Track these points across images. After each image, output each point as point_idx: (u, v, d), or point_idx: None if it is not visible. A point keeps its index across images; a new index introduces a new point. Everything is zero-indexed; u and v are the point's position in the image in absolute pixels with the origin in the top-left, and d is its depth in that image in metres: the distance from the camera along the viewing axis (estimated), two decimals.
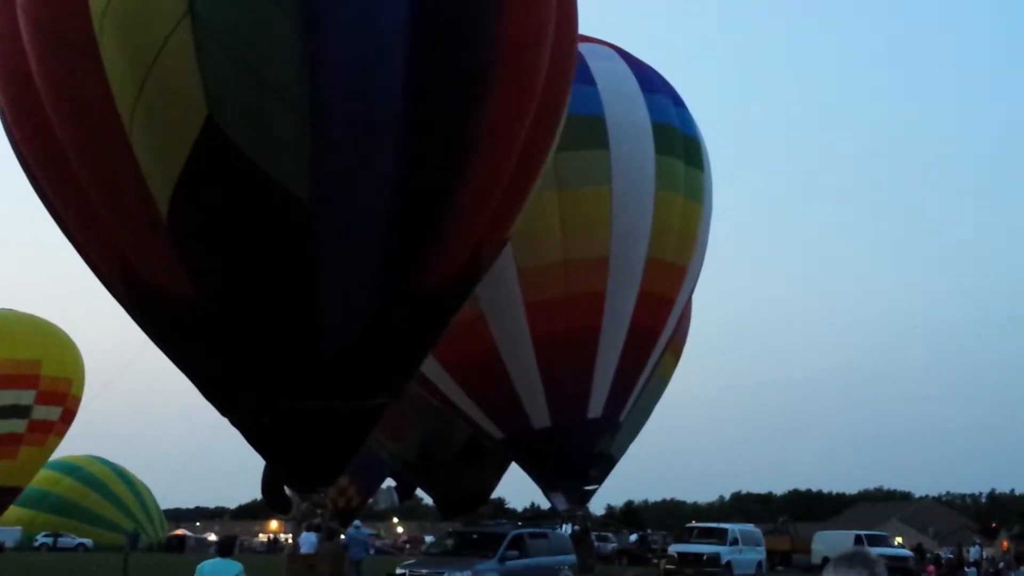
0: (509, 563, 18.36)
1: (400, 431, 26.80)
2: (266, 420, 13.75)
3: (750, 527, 33.76)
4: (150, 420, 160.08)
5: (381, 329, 13.21)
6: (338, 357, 13.06)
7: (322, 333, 12.85)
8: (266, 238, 12.13)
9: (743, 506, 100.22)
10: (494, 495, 34.22)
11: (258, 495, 36.16)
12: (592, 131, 21.03)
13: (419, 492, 35.56)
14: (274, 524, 68.89)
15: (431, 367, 20.79)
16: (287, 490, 28.12)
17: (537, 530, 21.06)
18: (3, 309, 39.10)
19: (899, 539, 42.24)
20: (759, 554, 30.59)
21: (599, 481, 24.67)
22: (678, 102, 23.26)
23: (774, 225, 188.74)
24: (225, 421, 14.31)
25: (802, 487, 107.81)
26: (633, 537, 51.70)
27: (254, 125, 11.35)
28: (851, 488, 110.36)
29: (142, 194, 11.80)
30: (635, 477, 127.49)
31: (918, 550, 41.93)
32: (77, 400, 39.14)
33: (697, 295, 25.22)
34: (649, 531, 53.80)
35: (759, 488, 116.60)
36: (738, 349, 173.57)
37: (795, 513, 59.34)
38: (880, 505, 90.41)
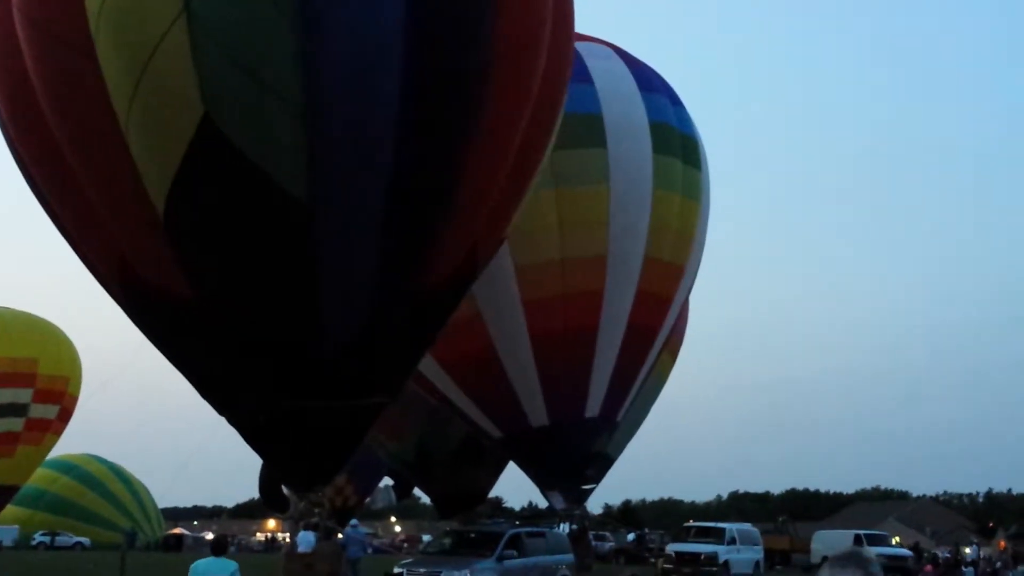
0: (507, 562, 18.34)
1: (398, 430, 26.80)
2: (262, 419, 13.73)
3: (748, 526, 33.74)
4: (147, 419, 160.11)
5: (379, 328, 13.20)
6: (336, 356, 13.04)
7: (319, 333, 12.84)
8: (263, 237, 12.11)
9: (741, 505, 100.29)
10: (492, 494, 34.27)
11: (256, 494, 36.17)
12: (590, 130, 21.02)
13: (417, 491, 35.62)
14: (272, 523, 68.85)
15: (429, 366, 20.78)
16: (284, 489, 28.10)
17: (535, 529, 21.04)
18: (0, 308, 39.05)
19: (896, 539, 42.18)
20: (757, 553, 30.57)
21: (597, 480, 24.68)
22: (676, 101, 23.26)
23: (772, 225, 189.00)
24: (223, 420, 14.30)
25: (799, 486, 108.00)
26: (631, 536, 51.76)
27: (251, 124, 11.33)
28: (848, 487, 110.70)
29: (138, 193, 11.78)
30: (633, 476, 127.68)
31: (915, 550, 41.91)
32: (74, 399, 39.11)
33: (695, 295, 25.26)
34: (647, 530, 53.85)
35: (757, 487, 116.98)
36: (736, 348, 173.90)
37: (793, 512, 59.39)
38: (877, 504, 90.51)
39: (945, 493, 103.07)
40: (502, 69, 12.32)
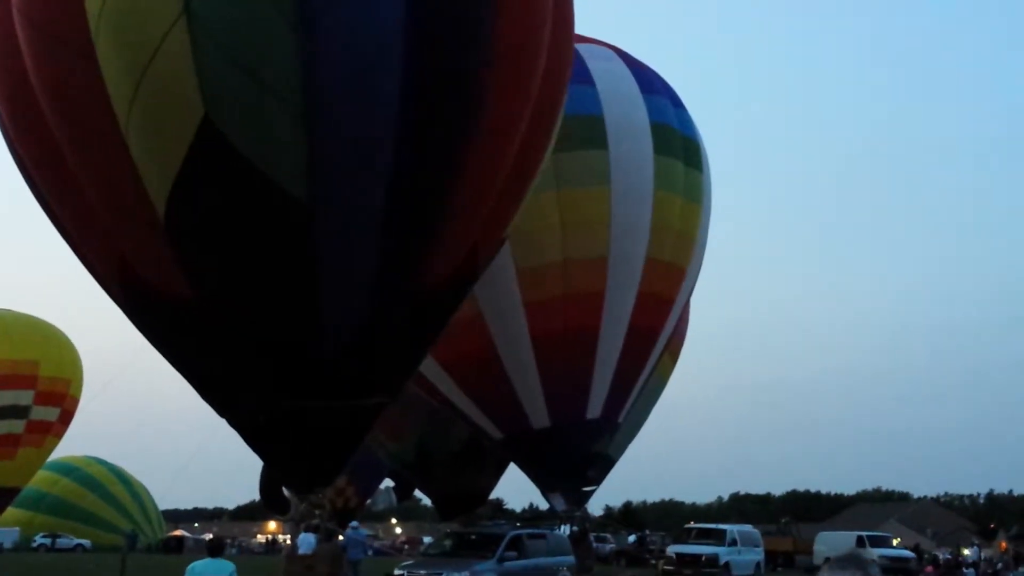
0: (507, 564, 18.33)
1: (398, 431, 26.80)
2: (262, 419, 13.72)
3: (748, 528, 33.75)
4: (148, 421, 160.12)
5: (379, 329, 13.20)
6: (336, 357, 13.04)
7: (320, 333, 12.84)
8: (263, 238, 12.11)
9: (741, 507, 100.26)
10: (492, 496, 34.23)
11: (256, 496, 36.14)
12: (591, 131, 21.04)
13: (417, 492, 35.57)
14: (272, 525, 68.85)
15: (430, 367, 20.78)
16: (285, 491, 28.09)
17: (535, 531, 21.04)
18: (1, 310, 39.07)
19: (896, 540, 42.14)
20: (757, 555, 30.58)
21: (598, 482, 24.67)
22: (677, 103, 23.27)
23: (772, 225, 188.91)
24: (223, 422, 14.29)
25: (800, 488, 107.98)
26: (631, 538, 51.66)
27: (251, 125, 11.34)
28: (849, 489, 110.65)
29: (139, 194, 11.78)
30: (633, 478, 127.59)
31: (916, 551, 41.88)
32: (75, 401, 39.12)
33: (696, 295, 25.25)
34: (647, 532, 53.81)
35: (757, 489, 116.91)
36: (737, 349, 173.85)
37: (794, 514, 59.37)
38: (878, 506, 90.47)
39: (946, 494, 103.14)
40: (502, 69, 12.32)
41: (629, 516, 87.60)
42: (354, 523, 27.04)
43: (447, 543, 20.86)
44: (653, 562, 36.26)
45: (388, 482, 35.32)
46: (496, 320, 20.94)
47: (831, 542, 36.32)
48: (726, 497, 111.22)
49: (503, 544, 18.64)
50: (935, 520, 76.27)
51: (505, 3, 12.21)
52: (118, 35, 11.10)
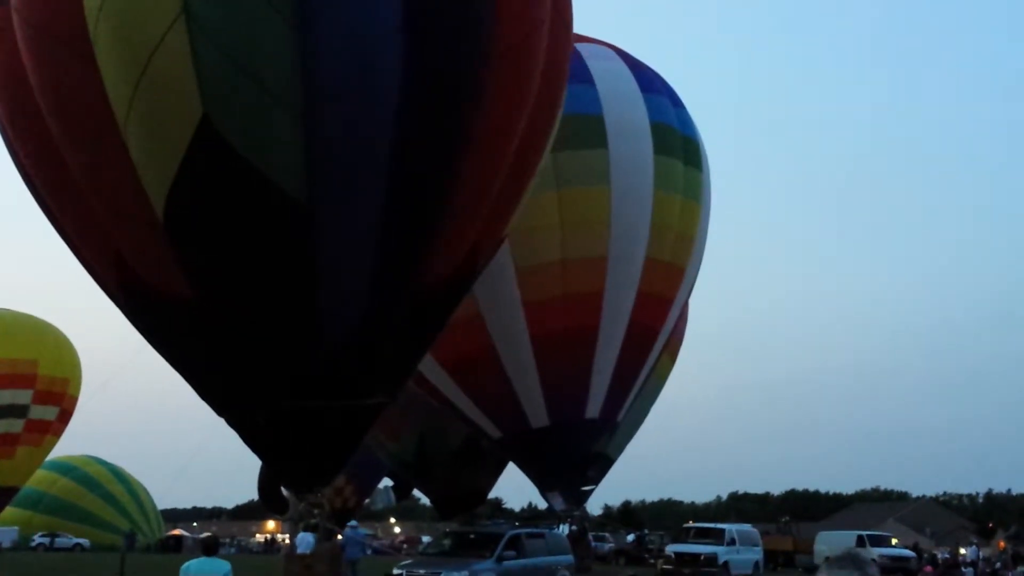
0: (506, 563, 18.32)
1: (397, 431, 26.80)
2: (261, 419, 13.73)
3: (747, 527, 33.72)
4: (147, 420, 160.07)
5: (378, 329, 13.20)
6: (335, 357, 13.04)
7: (319, 333, 12.84)
8: (262, 238, 12.12)
9: (740, 506, 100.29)
10: (491, 495, 34.24)
11: (255, 495, 36.13)
12: (591, 131, 21.05)
13: (416, 492, 35.59)
14: (271, 524, 68.83)
15: (430, 366, 20.79)
16: (284, 490, 28.10)
17: (534, 530, 21.02)
18: (0, 309, 39.05)
19: (895, 540, 42.13)
20: (756, 554, 30.56)
21: (596, 481, 24.68)
22: (677, 103, 23.28)
23: (772, 225, 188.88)
24: (222, 421, 14.29)
25: (799, 487, 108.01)
26: (630, 537, 51.64)
27: (250, 125, 11.34)
28: (848, 488, 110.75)
29: (138, 194, 11.79)
30: (632, 477, 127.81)
31: (915, 550, 41.89)
32: (74, 400, 39.10)
33: (694, 295, 25.26)
34: (646, 531, 53.74)
35: (756, 488, 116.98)
36: (736, 349, 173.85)
37: (792, 513, 59.35)
38: (877, 505, 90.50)
39: (945, 494, 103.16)
40: (501, 69, 12.32)
41: (628, 515, 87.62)
42: (352, 522, 27.03)
43: (446, 542, 20.84)
44: (652, 561, 36.23)
45: (387, 481, 35.32)
46: (495, 320, 20.95)
47: (832, 542, 36.28)
48: (725, 496, 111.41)
49: (502, 543, 18.63)
50: (934, 519, 76.24)
51: (503, 3, 12.22)
52: (117, 35, 11.10)
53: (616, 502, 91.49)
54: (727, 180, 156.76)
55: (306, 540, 19.32)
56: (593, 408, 22.11)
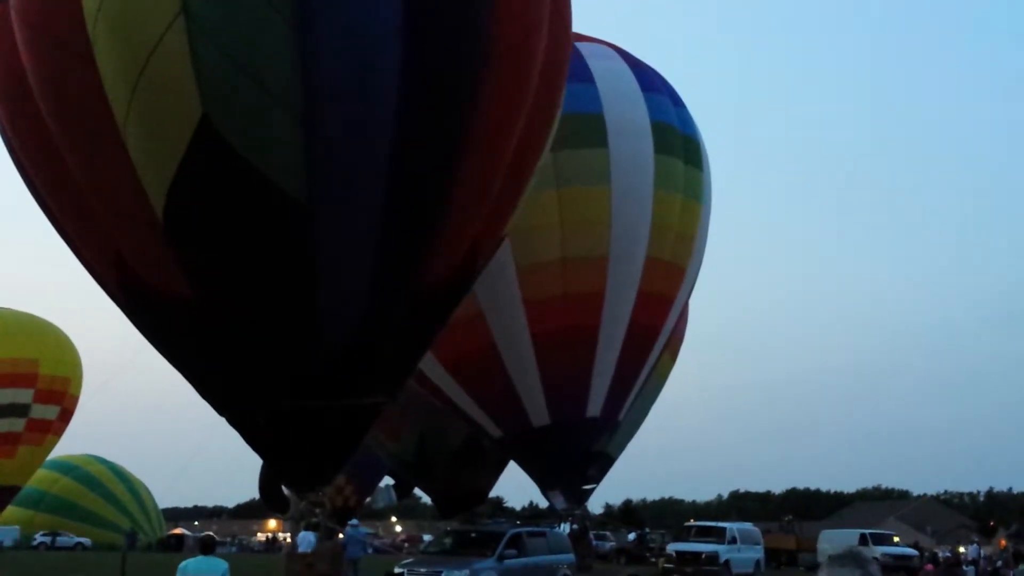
0: (507, 562, 18.33)
1: (398, 430, 26.81)
2: (260, 419, 13.74)
3: (748, 526, 33.74)
4: (148, 419, 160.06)
5: (378, 328, 13.21)
6: (335, 356, 13.05)
7: (319, 332, 12.84)
8: (262, 238, 12.12)
9: (741, 505, 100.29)
10: (492, 494, 34.25)
11: (256, 494, 36.16)
12: (592, 130, 21.04)
13: (417, 490, 35.58)
14: (272, 523, 68.85)
15: (430, 365, 20.80)
16: (284, 489, 28.11)
17: (535, 529, 21.04)
18: (1, 308, 39.08)
19: (895, 538, 42.12)
20: (757, 553, 30.56)
21: (597, 480, 24.68)
22: (677, 102, 23.27)
23: (772, 225, 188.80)
24: (223, 420, 14.30)
25: (800, 486, 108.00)
26: (631, 536, 51.69)
27: (250, 125, 11.34)
28: (849, 487, 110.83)
29: (137, 194, 11.79)
30: (633, 476, 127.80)
31: (916, 548, 41.90)
32: (75, 399, 39.14)
33: (695, 295, 25.27)
34: (647, 530, 53.73)
35: (757, 487, 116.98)
36: (736, 348, 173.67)
37: (793, 512, 59.36)
38: (878, 504, 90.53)
39: (946, 492, 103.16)
40: (500, 69, 12.33)
41: (629, 514, 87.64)
42: (353, 521, 27.06)
43: (447, 541, 20.85)
44: (653, 560, 36.25)
45: (388, 480, 35.34)
46: (496, 319, 20.95)
47: (835, 540, 36.25)
48: (726, 495, 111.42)
49: (503, 542, 18.64)
50: (935, 518, 76.25)
51: (503, 3, 12.22)
52: (115, 35, 11.10)
53: (617, 501, 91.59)
54: (727, 180, 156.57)
55: (307, 539, 19.34)
56: (594, 407, 22.11)
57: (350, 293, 12.69)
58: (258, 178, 11.51)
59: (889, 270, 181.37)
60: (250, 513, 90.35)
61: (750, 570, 29.18)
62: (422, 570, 18.23)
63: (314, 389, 13.24)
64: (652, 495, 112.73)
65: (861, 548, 26.44)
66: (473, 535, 20.17)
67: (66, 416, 38.93)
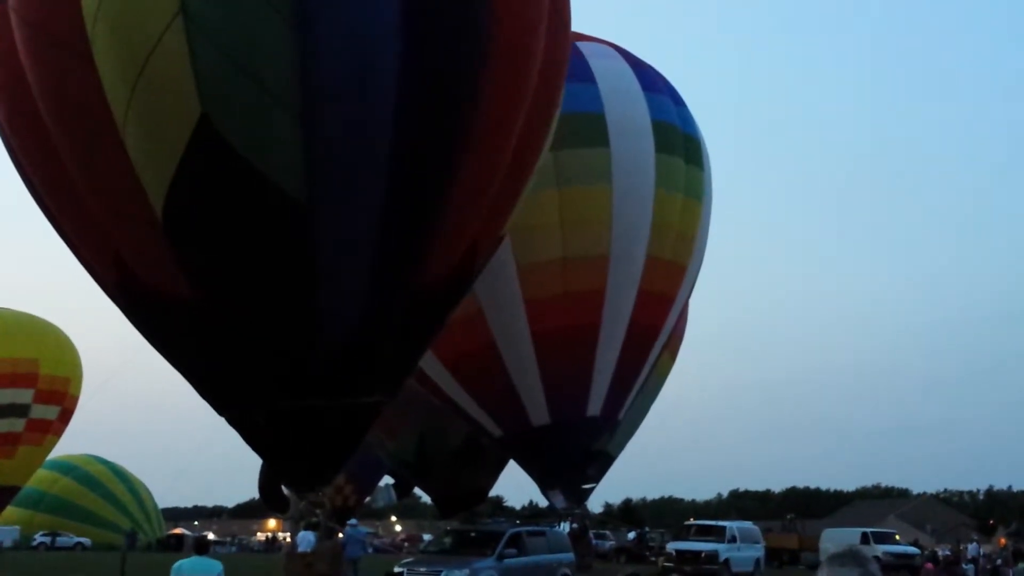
0: (507, 561, 18.34)
1: (398, 430, 26.79)
2: (260, 419, 13.73)
3: (748, 524, 33.74)
4: (148, 419, 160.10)
5: (378, 327, 13.20)
6: (335, 356, 13.04)
7: (318, 332, 12.84)
8: (262, 237, 12.11)
9: (741, 503, 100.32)
10: (492, 493, 34.25)
11: (256, 494, 36.15)
12: (592, 129, 21.03)
13: (417, 490, 35.58)
14: (272, 523, 68.86)
15: (430, 364, 20.80)
16: (284, 489, 28.11)
17: (535, 528, 21.06)
18: (1, 308, 39.06)
19: (897, 537, 42.13)
20: (757, 551, 30.55)
21: (597, 479, 24.67)
22: (678, 101, 23.26)
23: (772, 225, 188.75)
24: (222, 420, 14.29)
25: (800, 484, 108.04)
26: (631, 535, 51.71)
27: (249, 124, 11.33)
28: (849, 485, 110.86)
29: (136, 194, 11.77)
30: (633, 475, 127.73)
31: (915, 547, 41.90)
32: (75, 399, 39.12)
33: (695, 294, 25.26)
34: (647, 529, 53.75)
35: (757, 486, 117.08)
36: (736, 347, 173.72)
37: (793, 510, 59.38)
38: (878, 502, 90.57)
39: (945, 491, 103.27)
40: (498, 68, 12.32)
41: (629, 513, 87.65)
42: (352, 520, 27.06)
43: (447, 540, 20.86)
44: (653, 559, 36.26)
45: (388, 479, 35.33)
46: (497, 317, 20.95)
47: (837, 539, 36.24)
48: (725, 494, 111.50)
49: (503, 541, 18.64)
50: (935, 516, 76.25)
51: (502, 2, 12.22)
52: (114, 34, 11.09)
53: (617, 500, 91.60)
54: (727, 180, 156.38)
55: (307, 539, 19.34)
56: (594, 406, 22.11)
57: (349, 293, 12.68)
58: (257, 178, 11.50)
59: (889, 270, 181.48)
60: (250, 513, 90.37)
61: (750, 569, 29.18)
62: (422, 569, 18.23)
63: (313, 389, 13.23)
64: (652, 494, 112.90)
65: (861, 547, 26.45)
66: (473, 534, 20.18)
67: (66, 416, 38.91)
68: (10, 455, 37.00)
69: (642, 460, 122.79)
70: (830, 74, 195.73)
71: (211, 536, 54.95)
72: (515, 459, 24.67)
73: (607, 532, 52.22)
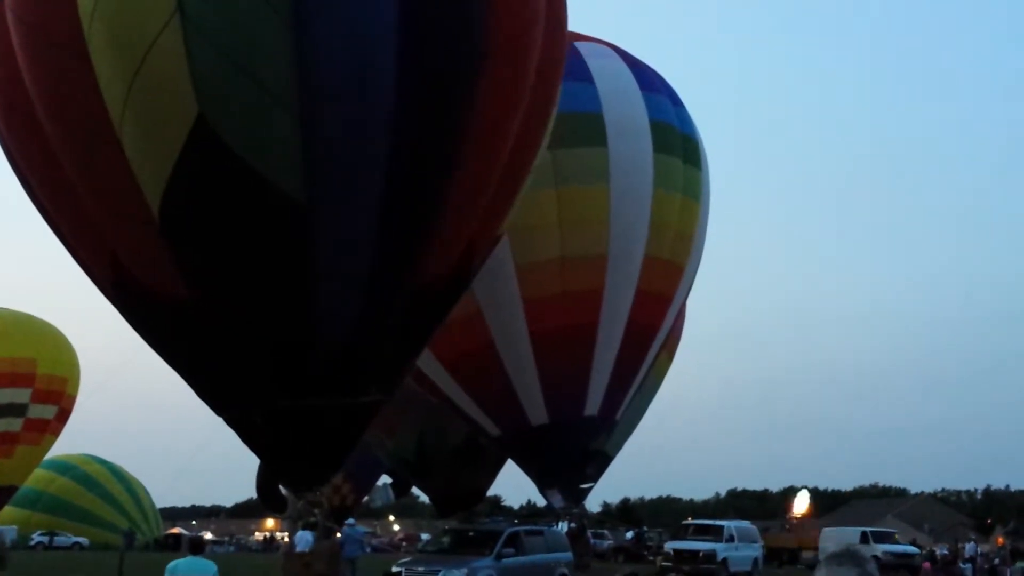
0: (505, 561, 18.33)
1: (396, 429, 26.79)
2: (258, 419, 13.73)
3: (746, 524, 33.72)
4: (145, 419, 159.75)
5: (375, 327, 13.21)
6: (332, 355, 13.04)
7: (316, 332, 12.84)
8: (259, 237, 12.11)
9: (739, 503, 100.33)
10: (490, 493, 34.27)
11: (254, 494, 36.15)
12: (591, 129, 21.03)
13: (415, 489, 35.59)
14: (270, 523, 68.85)
15: (429, 363, 20.80)
16: (282, 489, 28.11)
17: (533, 527, 21.03)
18: None
19: (896, 536, 42.14)
20: (755, 551, 30.55)
21: (595, 478, 24.68)
22: (676, 101, 23.27)
23: (772, 225, 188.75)
24: (220, 420, 14.29)
25: (798, 484, 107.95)
26: (629, 534, 51.71)
27: (246, 124, 11.33)
28: (847, 485, 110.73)
29: (134, 194, 11.77)
30: (631, 474, 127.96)
31: (915, 546, 41.92)
32: (72, 399, 39.09)
33: (694, 294, 25.28)
34: (645, 528, 53.78)
35: (755, 485, 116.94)
36: (734, 346, 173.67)
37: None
38: (876, 502, 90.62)
39: (943, 490, 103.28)
40: (495, 68, 12.33)
41: (627, 512, 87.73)
42: (350, 520, 27.03)
43: (445, 540, 20.85)
44: (651, 558, 36.26)
45: (386, 478, 35.32)
46: (495, 317, 20.95)
47: (837, 539, 36.24)
48: (723, 493, 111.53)
49: (501, 541, 18.63)
50: (932, 516, 76.30)
51: (498, 2, 12.23)
52: (111, 35, 11.08)
53: (615, 499, 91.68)
54: (727, 180, 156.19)
55: (305, 538, 19.31)
56: (592, 406, 22.12)
57: (347, 292, 12.68)
58: (256, 178, 11.50)
59: (889, 270, 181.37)
60: (248, 512, 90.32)
61: (748, 568, 29.18)
62: (420, 569, 18.22)
63: (311, 388, 13.23)
64: (650, 493, 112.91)
65: (859, 546, 26.43)
66: (471, 534, 20.16)
67: (64, 416, 38.88)
68: (8, 455, 36.97)
69: (640, 459, 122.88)
70: (830, 74, 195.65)
71: (209, 536, 55.07)
72: (513, 458, 24.67)
73: (605, 531, 52.16)
